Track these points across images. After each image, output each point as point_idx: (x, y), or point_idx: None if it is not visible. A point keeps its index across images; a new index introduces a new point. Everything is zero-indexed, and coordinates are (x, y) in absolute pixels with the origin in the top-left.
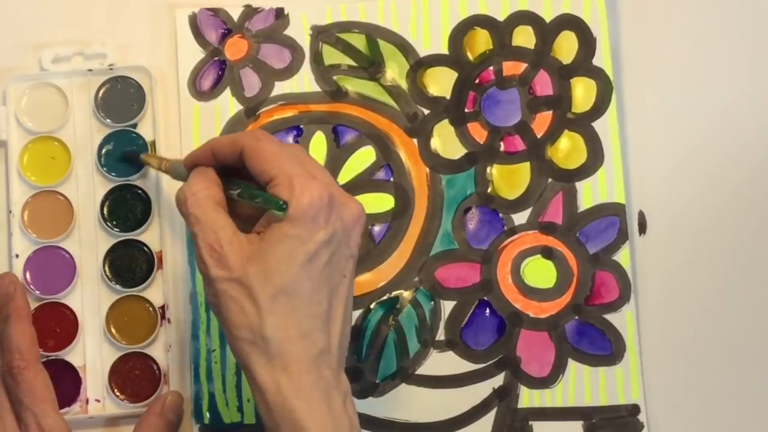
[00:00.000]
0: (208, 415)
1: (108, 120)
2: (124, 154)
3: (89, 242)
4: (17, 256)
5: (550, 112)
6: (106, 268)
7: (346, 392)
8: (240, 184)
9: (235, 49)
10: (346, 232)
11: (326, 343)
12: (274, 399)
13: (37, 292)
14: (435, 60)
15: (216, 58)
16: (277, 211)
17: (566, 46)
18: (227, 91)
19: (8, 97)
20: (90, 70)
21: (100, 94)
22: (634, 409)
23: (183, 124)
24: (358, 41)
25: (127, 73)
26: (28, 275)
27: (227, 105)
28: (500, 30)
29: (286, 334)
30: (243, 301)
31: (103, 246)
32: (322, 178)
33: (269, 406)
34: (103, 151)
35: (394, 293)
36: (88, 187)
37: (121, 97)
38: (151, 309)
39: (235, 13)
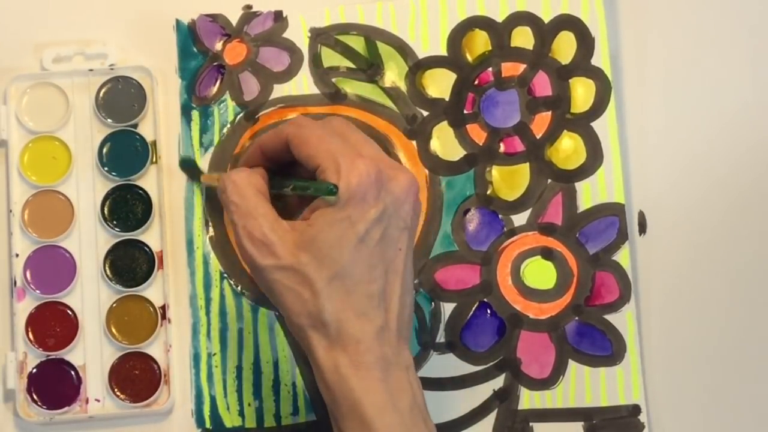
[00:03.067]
0: (209, 419)
1: (109, 120)
2: (183, 163)
3: (89, 242)
4: (17, 255)
5: (549, 113)
6: (107, 268)
7: (407, 366)
8: (291, 180)
9: (234, 53)
10: (397, 205)
11: (384, 320)
12: (333, 378)
13: (37, 291)
14: (434, 61)
15: (215, 63)
16: (330, 196)
17: (565, 47)
18: (227, 96)
19: (9, 96)
20: (91, 70)
21: (100, 94)
22: (635, 410)
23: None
24: (357, 43)
25: (127, 73)
26: (28, 275)
27: (227, 109)
28: (499, 31)
29: (343, 316)
30: (298, 288)
31: (104, 246)
32: (368, 153)
33: (328, 385)
34: (104, 150)
35: None
36: (88, 187)
37: (122, 97)
38: (151, 309)
39: (234, 18)
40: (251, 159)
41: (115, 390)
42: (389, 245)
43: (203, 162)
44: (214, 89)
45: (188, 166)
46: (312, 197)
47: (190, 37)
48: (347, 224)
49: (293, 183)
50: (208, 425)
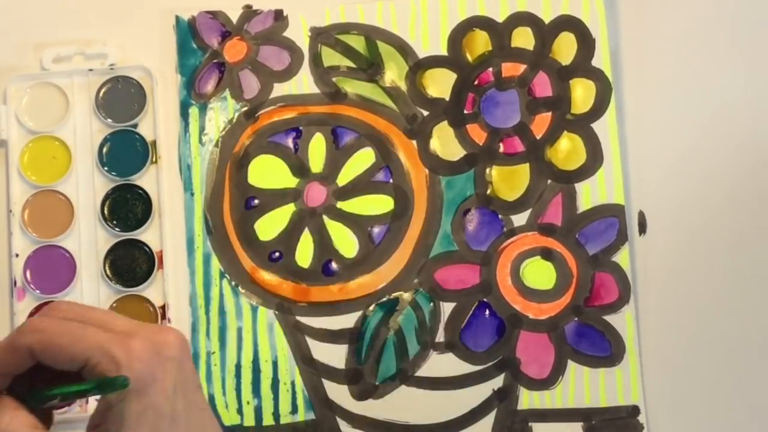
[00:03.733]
0: None
1: (109, 120)
2: None
3: (89, 242)
4: (17, 255)
5: (550, 114)
6: (107, 268)
7: None
8: (54, 390)
9: (234, 51)
10: (181, 366)
11: None
12: None
13: (37, 291)
14: (434, 61)
15: (215, 61)
16: (121, 389)
17: (565, 47)
18: (227, 93)
19: (9, 96)
20: (91, 70)
21: (100, 94)
22: (634, 411)
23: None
24: (357, 43)
25: (127, 72)
26: (28, 274)
27: (226, 107)
28: (499, 31)
29: None
30: None
31: (104, 245)
32: (131, 329)
33: None
34: (104, 150)
35: (393, 295)
36: (88, 187)
37: (122, 96)
38: (151, 309)
39: (234, 16)
40: None
41: None
42: (193, 409)
43: (202, 160)
44: (214, 86)
45: None
46: (70, 400)
47: (189, 33)
48: (152, 411)
49: (60, 393)
50: None
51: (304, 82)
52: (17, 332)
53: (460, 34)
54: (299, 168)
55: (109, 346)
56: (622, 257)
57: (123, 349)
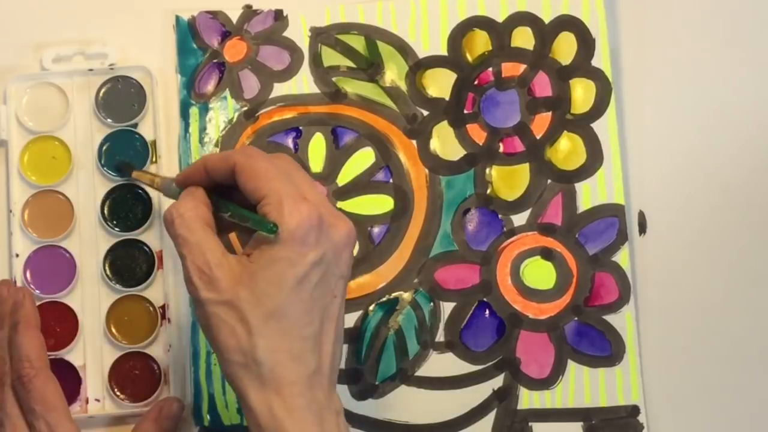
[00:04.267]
0: (207, 417)
1: (109, 120)
2: (118, 163)
3: (89, 242)
4: (17, 255)
5: (550, 113)
6: (107, 268)
7: (338, 411)
8: (230, 205)
9: (234, 51)
10: (336, 252)
11: (317, 364)
12: (267, 422)
13: (37, 291)
14: (434, 61)
15: (215, 60)
16: (268, 234)
17: (565, 47)
18: (227, 93)
19: (9, 96)
20: (91, 70)
21: (100, 94)
22: (634, 410)
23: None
24: (357, 43)
25: (127, 72)
26: (28, 275)
27: (227, 107)
28: (499, 31)
29: (277, 357)
30: (234, 324)
31: (104, 245)
32: (313, 197)
33: (262, 429)
34: (104, 150)
35: (393, 295)
36: (88, 187)
37: (122, 96)
38: (151, 308)
39: (234, 16)
40: (193, 176)
41: (115, 390)
42: (326, 291)
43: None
44: (214, 86)
45: (121, 166)
46: (243, 226)
47: (189, 33)
48: (286, 264)
49: (231, 210)
50: (206, 423)
51: (304, 82)
52: (235, 150)
53: (460, 34)
54: None
55: (283, 197)
56: (622, 257)
57: (292, 203)
